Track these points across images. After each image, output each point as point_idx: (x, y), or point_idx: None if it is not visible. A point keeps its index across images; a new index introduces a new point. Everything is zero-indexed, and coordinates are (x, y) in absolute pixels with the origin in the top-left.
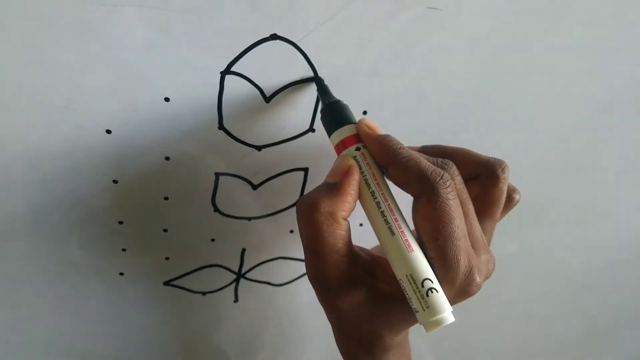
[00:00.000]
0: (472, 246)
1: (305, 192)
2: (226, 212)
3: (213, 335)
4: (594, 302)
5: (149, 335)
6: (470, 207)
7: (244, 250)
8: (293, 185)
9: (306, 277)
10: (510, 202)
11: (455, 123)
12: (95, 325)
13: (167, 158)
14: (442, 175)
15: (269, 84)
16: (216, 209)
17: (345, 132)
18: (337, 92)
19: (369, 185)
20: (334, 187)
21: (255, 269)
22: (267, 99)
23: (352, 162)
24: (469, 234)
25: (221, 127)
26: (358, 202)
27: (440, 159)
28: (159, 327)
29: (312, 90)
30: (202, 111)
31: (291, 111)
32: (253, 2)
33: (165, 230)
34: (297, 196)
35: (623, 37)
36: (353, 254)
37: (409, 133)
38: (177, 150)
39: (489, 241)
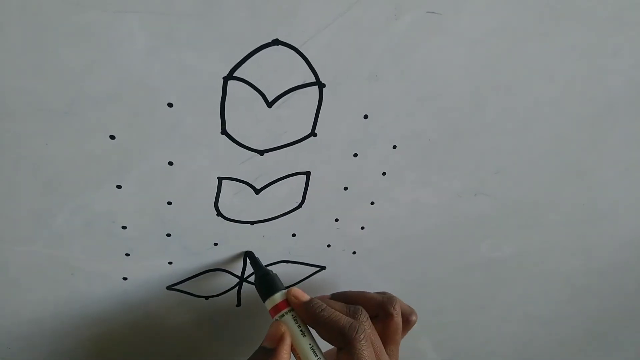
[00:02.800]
0: None
1: (308, 195)
2: (229, 217)
3: (216, 339)
4: (594, 304)
5: (153, 339)
6: (380, 345)
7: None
8: (295, 189)
9: (308, 280)
10: (408, 323)
11: (455, 126)
12: (98, 330)
13: (170, 163)
14: (357, 330)
15: (271, 88)
16: (219, 214)
17: (278, 298)
18: (338, 96)
19: (303, 334)
20: (271, 353)
21: None
22: (269, 103)
23: (284, 329)
24: None
25: (224, 131)
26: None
27: (352, 307)
28: (163, 331)
29: (313, 95)
30: (205, 116)
31: (293, 116)
32: (255, 7)
33: (168, 235)
34: (299, 200)
35: (621, 39)
36: None
37: (409, 137)
38: (180, 155)
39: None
